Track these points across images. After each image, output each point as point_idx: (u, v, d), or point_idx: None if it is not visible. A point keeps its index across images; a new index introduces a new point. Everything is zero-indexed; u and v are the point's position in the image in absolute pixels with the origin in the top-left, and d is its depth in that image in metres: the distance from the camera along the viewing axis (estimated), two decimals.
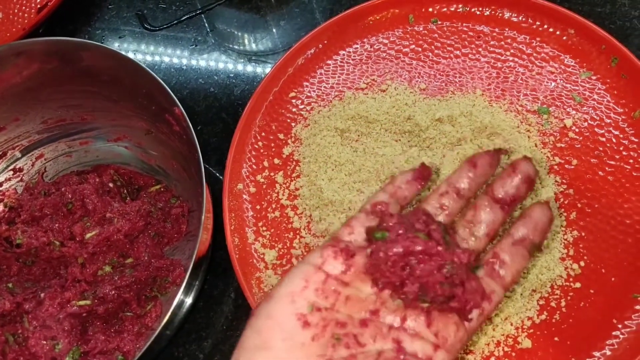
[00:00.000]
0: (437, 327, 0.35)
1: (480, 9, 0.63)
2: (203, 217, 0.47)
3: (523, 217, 0.41)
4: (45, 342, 0.52)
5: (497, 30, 0.62)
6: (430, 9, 0.64)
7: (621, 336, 0.49)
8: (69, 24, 0.78)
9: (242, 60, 0.72)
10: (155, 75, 0.52)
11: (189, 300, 0.56)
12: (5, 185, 0.63)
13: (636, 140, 0.56)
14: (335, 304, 0.34)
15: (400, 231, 0.36)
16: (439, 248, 0.35)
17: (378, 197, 0.40)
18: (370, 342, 0.34)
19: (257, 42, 0.73)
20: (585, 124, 0.57)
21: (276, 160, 0.61)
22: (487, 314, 0.37)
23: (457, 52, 0.62)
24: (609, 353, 0.49)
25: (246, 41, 0.73)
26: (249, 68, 0.71)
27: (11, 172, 0.63)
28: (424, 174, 0.42)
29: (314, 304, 0.34)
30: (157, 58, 0.74)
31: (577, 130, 0.57)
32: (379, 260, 0.35)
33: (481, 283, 0.37)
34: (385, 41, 0.65)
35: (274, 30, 0.74)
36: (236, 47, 0.73)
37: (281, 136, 0.62)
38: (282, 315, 0.33)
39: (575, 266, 0.53)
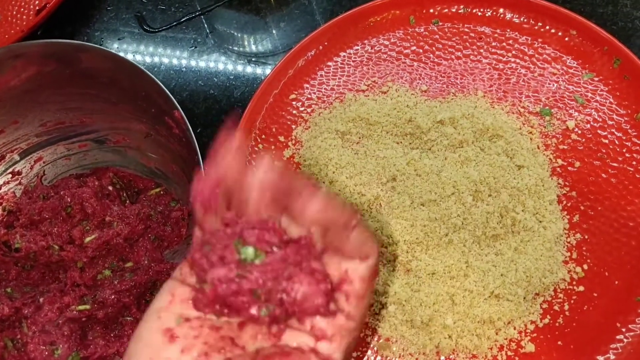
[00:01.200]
0: (311, 322, 0.33)
1: (482, 10, 0.63)
2: None
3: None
4: (44, 347, 0.51)
5: (498, 31, 0.62)
6: (431, 10, 0.64)
7: (625, 340, 0.49)
8: (67, 26, 0.77)
9: (242, 62, 0.71)
10: (154, 77, 0.51)
11: None
12: (3, 189, 0.62)
13: (639, 142, 0.55)
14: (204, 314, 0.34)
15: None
16: (231, 282, 0.32)
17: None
18: (250, 342, 0.33)
19: (257, 44, 0.73)
20: (588, 125, 0.57)
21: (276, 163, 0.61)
22: (357, 293, 0.34)
23: (459, 54, 0.62)
24: (612, 357, 0.48)
25: (246, 43, 0.73)
26: (249, 70, 0.71)
27: (10, 176, 0.62)
28: None
29: (181, 316, 0.33)
30: (156, 60, 0.73)
31: (579, 132, 0.57)
32: (198, 302, 0.34)
33: (319, 275, 0.33)
34: (386, 43, 0.64)
35: (274, 31, 0.73)
36: (236, 48, 0.73)
37: (281, 139, 0.62)
38: (149, 334, 0.33)
39: (578, 269, 0.52)
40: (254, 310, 0.33)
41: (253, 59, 0.71)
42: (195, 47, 0.73)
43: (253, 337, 0.33)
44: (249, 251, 0.33)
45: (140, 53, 0.74)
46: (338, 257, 0.34)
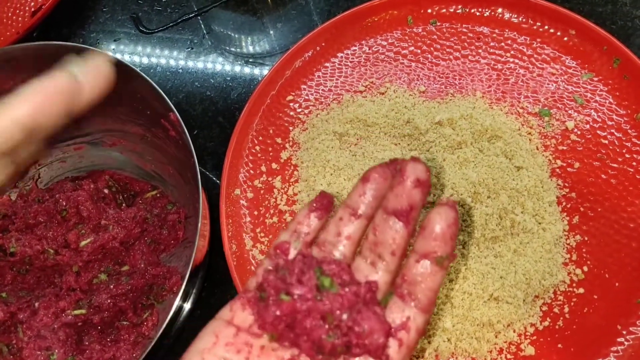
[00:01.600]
0: None
1: (480, 9, 0.62)
2: (199, 223, 0.46)
3: (422, 228, 0.35)
4: (40, 352, 0.51)
5: (497, 31, 0.61)
6: (429, 10, 0.63)
7: (626, 343, 0.49)
8: (63, 27, 0.77)
9: (238, 63, 0.71)
10: (150, 79, 0.51)
11: (187, 307, 0.55)
12: None
13: (639, 142, 0.55)
14: (248, 357, 0.33)
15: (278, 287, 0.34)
16: (308, 301, 0.33)
17: (280, 237, 0.38)
18: None
19: (254, 45, 0.72)
20: (587, 126, 0.57)
21: (274, 165, 0.60)
22: (409, 343, 0.34)
23: (457, 54, 0.62)
24: None
25: (243, 44, 0.72)
26: (246, 71, 0.70)
27: None
28: (323, 204, 0.38)
29: (224, 359, 0.33)
30: (152, 61, 0.73)
31: (579, 132, 0.56)
32: (263, 320, 0.34)
33: (382, 318, 0.34)
34: (384, 43, 0.64)
35: (271, 32, 0.73)
36: (233, 49, 0.72)
37: (279, 140, 0.61)
38: None
39: (578, 271, 0.52)
40: (322, 334, 0.33)
41: (250, 60, 0.71)
42: (192, 49, 0.73)
43: None
44: (327, 280, 0.34)
45: (136, 54, 0.74)
46: (403, 303, 0.34)
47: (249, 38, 0.72)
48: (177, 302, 0.46)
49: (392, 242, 0.35)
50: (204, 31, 0.74)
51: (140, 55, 0.74)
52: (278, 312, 0.33)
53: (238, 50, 0.72)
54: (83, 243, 0.54)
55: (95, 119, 0.62)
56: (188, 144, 0.49)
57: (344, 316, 0.33)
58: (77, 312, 0.52)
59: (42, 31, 0.75)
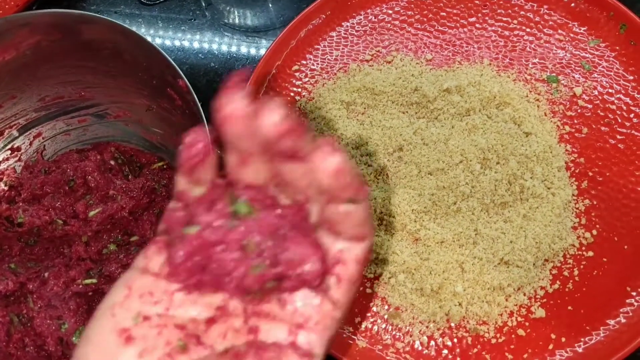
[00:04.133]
0: (293, 306, 0.30)
1: None
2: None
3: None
4: (50, 321, 0.51)
5: None
6: None
7: (635, 304, 0.49)
8: (63, 0, 0.76)
9: (242, 35, 0.70)
10: (158, 48, 0.50)
11: None
12: (3, 165, 0.61)
13: None
14: (169, 307, 0.29)
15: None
16: (219, 230, 0.28)
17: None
18: (219, 341, 0.29)
19: (257, 16, 0.71)
20: (595, 91, 0.57)
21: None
22: (349, 276, 0.30)
23: (463, 22, 0.61)
24: (623, 321, 0.49)
25: (246, 15, 0.72)
26: (250, 42, 0.70)
27: (9, 152, 0.61)
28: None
29: (139, 313, 0.29)
30: (153, 33, 0.72)
31: (586, 98, 0.57)
32: (174, 267, 0.29)
33: (315, 241, 0.30)
34: (390, 12, 0.63)
35: (272, 4, 0.72)
36: (236, 21, 0.71)
37: None
38: (101, 336, 0.29)
39: (587, 235, 0.52)
40: (245, 269, 0.28)
41: (253, 32, 0.70)
42: (194, 20, 0.72)
43: (222, 335, 0.29)
44: (243, 205, 0.29)
45: (137, 26, 0.73)
46: (333, 236, 0.30)
47: (251, 10, 0.72)
48: None
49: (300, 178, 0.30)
50: (203, 4, 0.73)
51: (141, 27, 0.73)
52: (183, 251, 0.28)
53: (241, 22, 0.71)
54: (92, 213, 0.54)
55: (99, 90, 0.61)
56: (198, 110, 0.49)
57: (268, 243, 0.29)
58: (87, 281, 0.52)
59: (43, 4, 0.74)
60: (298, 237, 0.29)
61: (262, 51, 0.69)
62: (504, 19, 0.60)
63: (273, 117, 0.28)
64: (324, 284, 0.30)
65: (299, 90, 0.62)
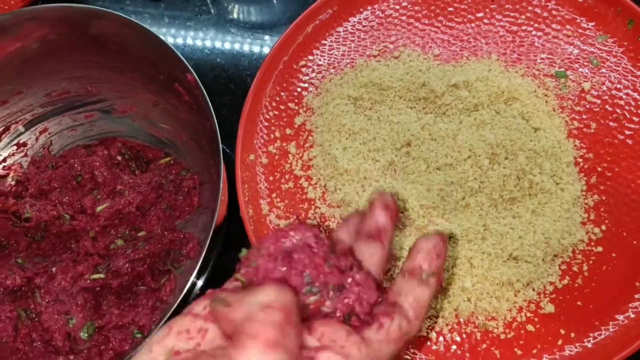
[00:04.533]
0: (322, 331, 0.32)
1: None
2: (221, 183, 0.46)
3: (410, 251, 0.38)
4: (58, 316, 0.51)
5: None
6: None
7: None
8: None
9: (249, 30, 0.70)
10: (166, 42, 0.50)
11: (204, 274, 0.55)
12: (9, 161, 0.61)
13: None
14: (201, 342, 0.31)
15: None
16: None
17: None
18: None
19: (262, 12, 0.71)
20: (604, 87, 0.56)
21: (288, 131, 0.60)
22: (390, 333, 0.33)
23: (471, 17, 0.61)
24: (632, 316, 0.48)
25: (250, 11, 0.71)
26: (257, 38, 0.69)
27: (15, 147, 0.61)
28: None
29: (172, 349, 0.31)
30: (159, 29, 0.72)
31: (595, 93, 0.56)
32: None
33: (376, 284, 0.35)
34: (397, 7, 0.63)
35: (276, 0, 0.72)
36: (241, 17, 0.71)
37: (292, 106, 0.61)
38: None
39: (596, 230, 0.52)
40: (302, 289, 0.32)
41: (260, 27, 0.70)
42: (200, 16, 0.72)
43: None
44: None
45: (142, 22, 0.72)
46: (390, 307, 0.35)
47: (258, 5, 0.71)
48: (198, 266, 0.46)
49: (369, 258, 0.37)
50: (209, 0, 0.73)
51: (148, 22, 0.72)
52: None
53: (247, 17, 0.71)
54: (99, 208, 0.54)
55: (106, 85, 0.61)
56: (207, 105, 0.49)
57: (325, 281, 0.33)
58: (95, 276, 0.52)
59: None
60: (357, 275, 0.34)
61: (268, 47, 0.69)
62: (512, 14, 0.60)
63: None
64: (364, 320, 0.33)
65: (306, 85, 0.62)
